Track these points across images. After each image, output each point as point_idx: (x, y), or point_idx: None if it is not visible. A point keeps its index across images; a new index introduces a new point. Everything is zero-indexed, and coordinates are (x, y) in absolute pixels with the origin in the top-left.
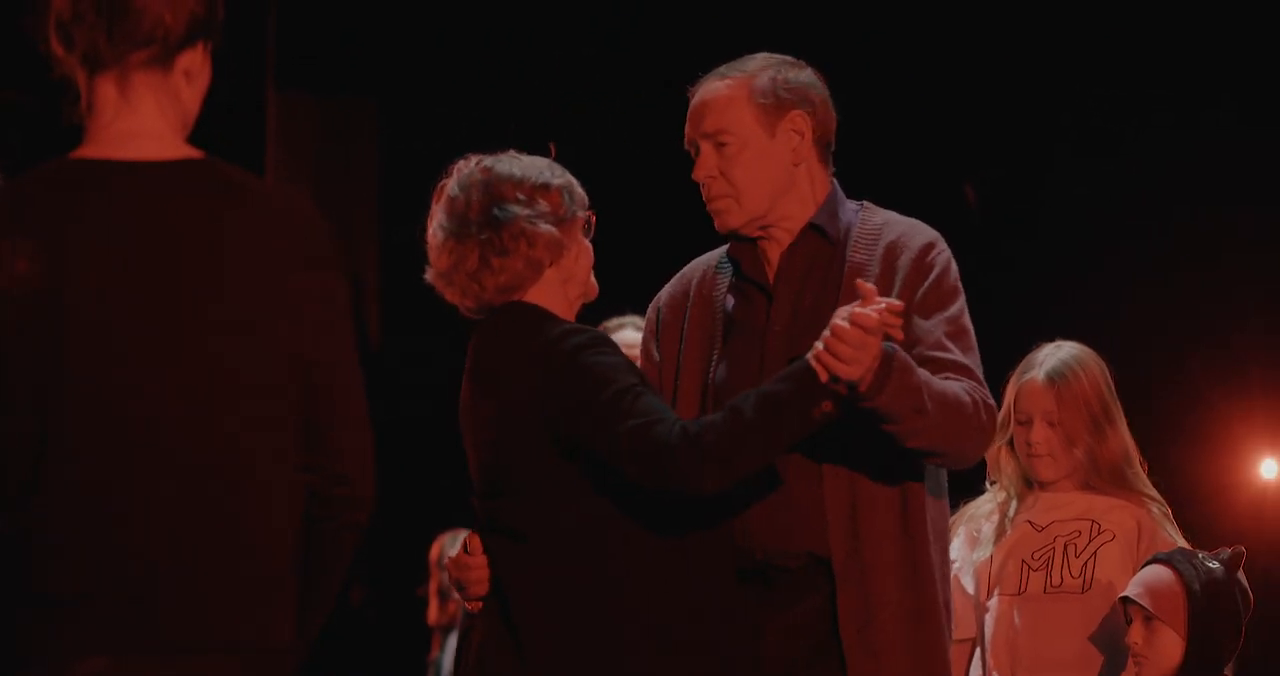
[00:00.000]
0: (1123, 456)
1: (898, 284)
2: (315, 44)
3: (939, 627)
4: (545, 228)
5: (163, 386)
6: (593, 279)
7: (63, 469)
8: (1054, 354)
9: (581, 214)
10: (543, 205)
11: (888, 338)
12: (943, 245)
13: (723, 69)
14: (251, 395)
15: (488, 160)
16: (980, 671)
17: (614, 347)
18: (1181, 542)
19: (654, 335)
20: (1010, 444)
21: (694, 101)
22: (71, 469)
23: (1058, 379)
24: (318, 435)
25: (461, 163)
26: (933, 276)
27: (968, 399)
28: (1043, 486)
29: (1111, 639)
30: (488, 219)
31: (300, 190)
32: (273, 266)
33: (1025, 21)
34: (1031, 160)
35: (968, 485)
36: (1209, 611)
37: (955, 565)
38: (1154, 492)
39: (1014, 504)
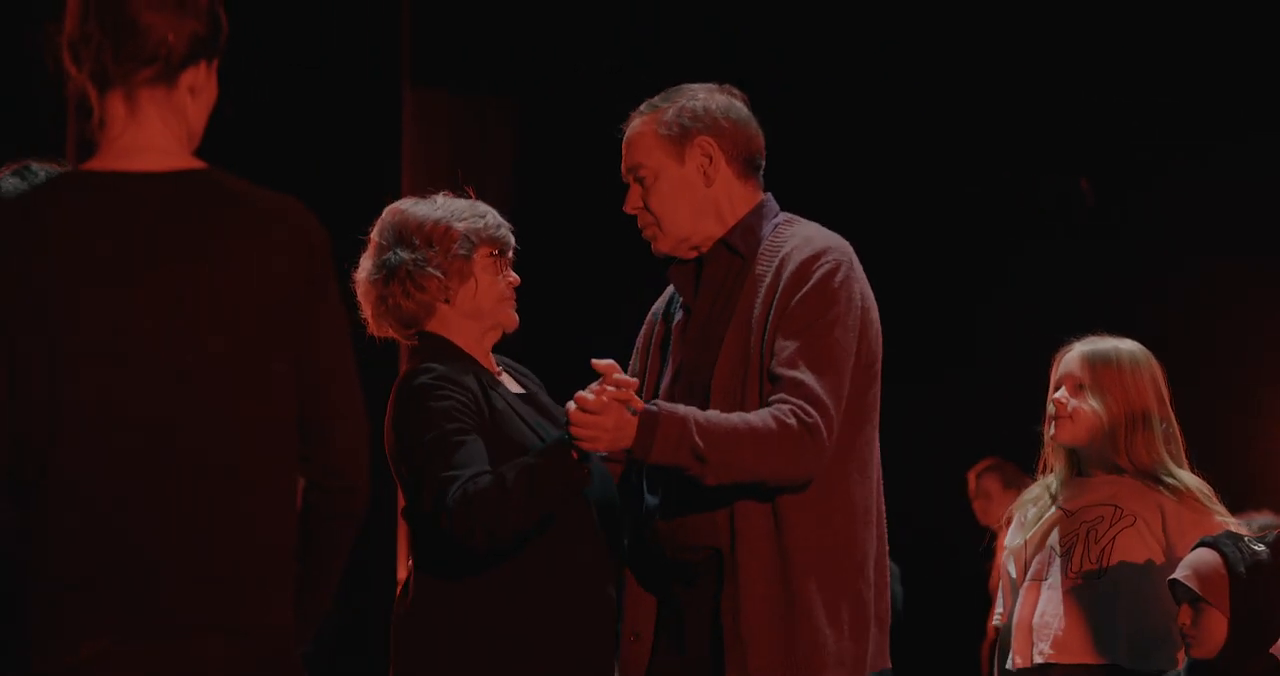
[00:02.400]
0: (1148, 451)
1: (777, 296)
2: (452, 41)
3: (812, 622)
4: (430, 271)
5: (163, 384)
6: (507, 311)
7: (68, 462)
8: (1108, 340)
9: (487, 254)
10: (435, 248)
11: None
12: (832, 259)
13: (643, 106)
14: (249, 392)
15: (405, 203)
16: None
17: (452, 390)
18: (1229, 522)
19: (636, 351)
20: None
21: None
22: (77, 463)
23: (1097, 357)
24: (312, 430)
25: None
26: (804, 290)
27: (773, 426)
28: (1074, 462)
29: (1128, 619)
30: (382, 262)
31: (297, 199)
32: (269, 270)
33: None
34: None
35: None
36: (1254, 592)
37: (1005, 552)
38: (1186, 482)
39: (1057, 490)
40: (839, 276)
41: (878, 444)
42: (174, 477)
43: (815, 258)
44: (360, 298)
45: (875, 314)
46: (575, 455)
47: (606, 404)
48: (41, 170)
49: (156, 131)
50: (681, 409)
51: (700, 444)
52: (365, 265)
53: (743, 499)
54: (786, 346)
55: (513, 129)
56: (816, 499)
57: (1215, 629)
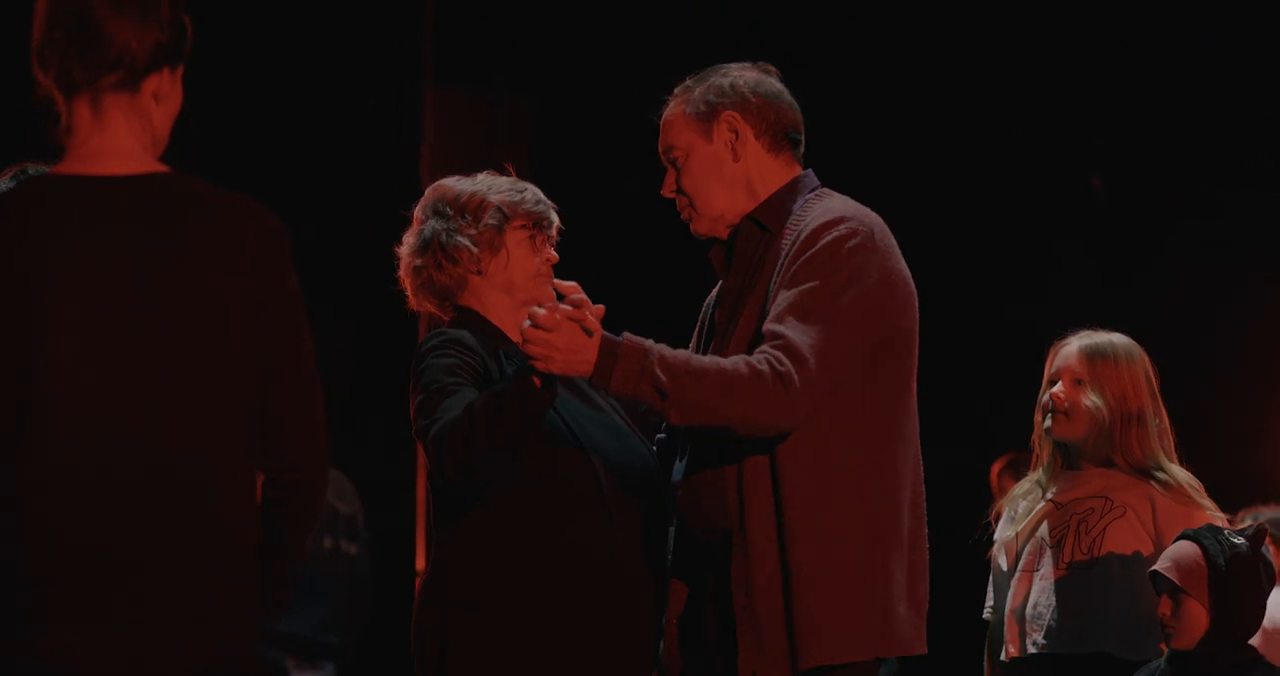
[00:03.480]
0: (1142, 448)
1: (784, 263)
2: (472, 42)
3: (816, 597)
4: (460, 240)
5: (128, 382)
6: (542, 286)
7: (38, 455)
8: (1101, 334)
9: (519, 227)
10: (467, 218)
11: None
12: (845, 227)
13: (677, 89)
14: (211, 389)
15: (448, 180)
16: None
17: (457, 350)
18: (1218, 516)
19: (692, 339)
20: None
21: None
22: (46, 456)
23: (1095, 352)
24: (271, 425)
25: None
26: (810, 253)
27: (743, 369)
28: (1065, 455)
29: (1118, 609)
30: (420, 238)
31: (258, 201)
32: (230, 269)
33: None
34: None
35: None
36: (1233, 585)
37: (995, 545)
38: (1177, 477)
39: (1048, 484)
40: (850, 243)
41: (909, 423)
42: (141, 471)
43: (828, 225)
44: (400, 273)
45: (904, 289)
46: (538, 380)
47: (559, 321)
48: (39, 174)
49: (121, 136)
50: (646, 341)
51: (662, 377)
52: (406, 240)
53: (749, 472)
54: (780, 304)
55: (530, 128)
56: (819, 471)
57: (1195, 620)
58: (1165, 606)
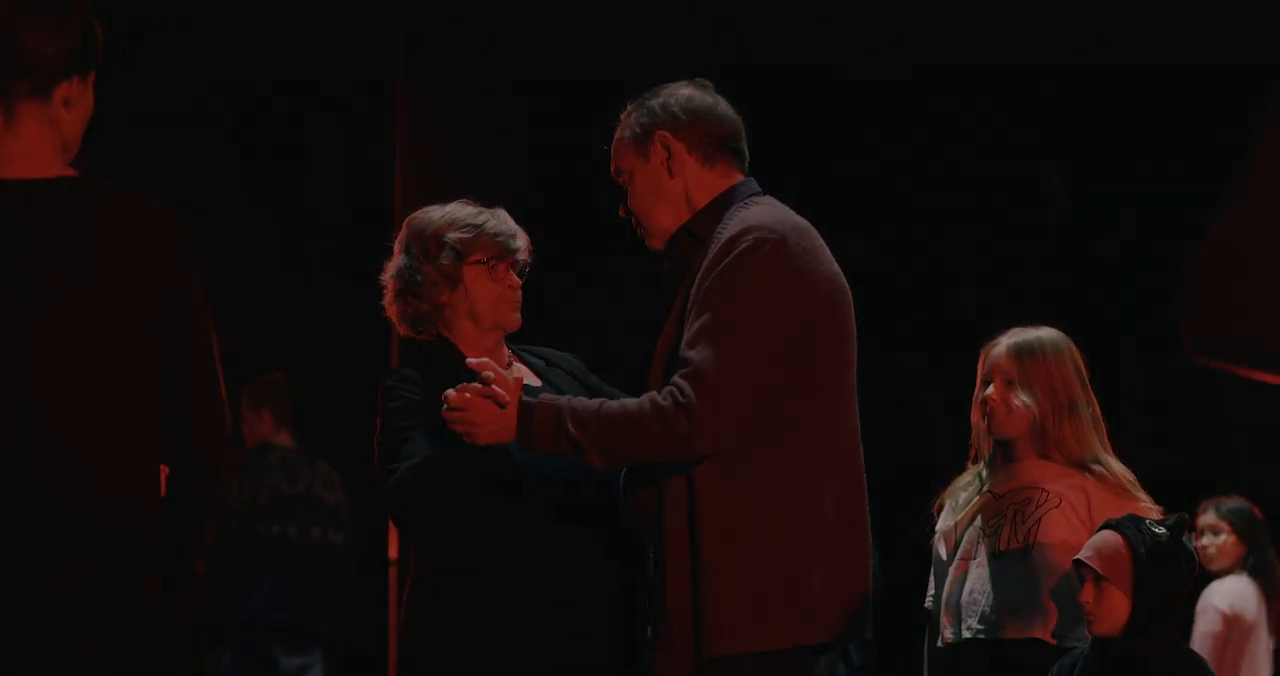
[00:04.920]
0: (1078, 441)
1: (699, 277)
2: (446, 36)
3: (721, 594)
4: (419, 278)
5: (35, 379)
6: (505, 313)
7: None
8: (1028, 331)
9: (475, 262)
10: (429, 258)
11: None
12: (753, 237)
13: (621, 114)
14: (116, 385)
15: (420, 212)
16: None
17: (409, 389)
18: (1152, 508)
19: None
20: (983, 414)
21: None
22: None
23: (1023, 350)
24: (174, 421)
25: None
26: (719, 267)
27: (647, 408)
28: (1004, 448)
29: (1052, 595)
30: (395, 271)
31: (162, 201)
32: (134, 269)
33: None
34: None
35: None
36: (1154, 573)
37: (935, 535)
38: (1112, 469)
39: (988, 477)
40: (758, 253)
41: (836, 419)
42: (45, 468)
43: (737, 237)
44: (384, 302)
45: (825, 290)
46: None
47: (469, 400)
48: None
49: (32, 140)
50: (559, 400)
51: (575, 432)
52: (387, 271)
53: (668, 473)
54: (692, 325)
55: (505, 123)
56: (731, 471)
57: (1116, 607)
58: (1088, 594)
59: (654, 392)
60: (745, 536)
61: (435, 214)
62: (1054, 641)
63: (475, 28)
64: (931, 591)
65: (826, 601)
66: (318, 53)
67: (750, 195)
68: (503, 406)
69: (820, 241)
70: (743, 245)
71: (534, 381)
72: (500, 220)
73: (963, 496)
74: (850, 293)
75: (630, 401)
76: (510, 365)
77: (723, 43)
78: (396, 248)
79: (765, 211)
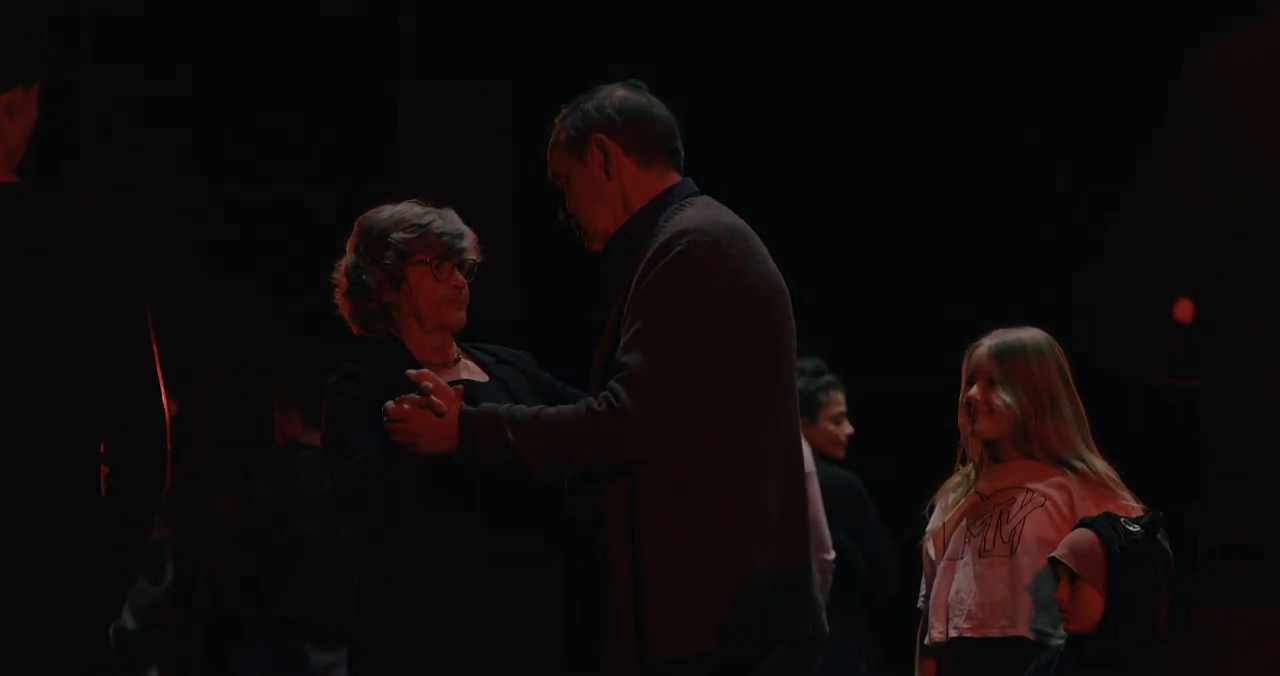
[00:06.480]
0: (1060, 439)
1: (634, 281)
2: (450, 28)
3: (658, 591)
4: (365, 278)
5: None
6: (450, 312)
7: None
8: (1012, 332)
9: (419, 262)
10: (373, 258)
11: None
12: (686, 240)
13: (557, 118)
14: (54, 385)
15: (370, 212)
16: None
17: (348, 387)
18: (1134, 506)
19: None
20: (969, 413)
21: None
22: None
23: (1005, 351)
24: (115, 423)
25: None
26: (651, 275)
27: (583, 413)
28: (990, 449)
29: (1036, 594)
30: (344, 270)
31: (112, 209)
32: (76, 272)
33: None
34: None
35: None
36: (1128, 571)
37: (925, 536)
38: (1095, 467)
39: (976, 477)
40: (692, 256)
41: (776, 416)
42: None
43: (671, 241)
44: (336, 299)
45: (759, 289)
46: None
47: (408, 412)
48: None
49: None
50: (499, 408)
51: (514, 439)
52: (338, 269)
53: (607, 477)
54: (627, 328)
55: (510, 114)
56: (670, 473)
57: (1090, 605)
58: (1063, 591)
59: (590, 398)
60: (687, 538)
61: (384, 213)
62: (1036, 640)
63: (475, 28)
64: (924, 591)
65: (770, 601)
66: (318, 52)
67: (688, 196)
68: (441, 416)
69: (756, 241)
70: (676, 249)
71: (482, 378)
72: (447, 220)
73: (952, 497)
74: (788, 291)
75: (566, 408)
76: (458, 361)
77: (725, 42)
78: (348, 247)
79: (700, 213)
